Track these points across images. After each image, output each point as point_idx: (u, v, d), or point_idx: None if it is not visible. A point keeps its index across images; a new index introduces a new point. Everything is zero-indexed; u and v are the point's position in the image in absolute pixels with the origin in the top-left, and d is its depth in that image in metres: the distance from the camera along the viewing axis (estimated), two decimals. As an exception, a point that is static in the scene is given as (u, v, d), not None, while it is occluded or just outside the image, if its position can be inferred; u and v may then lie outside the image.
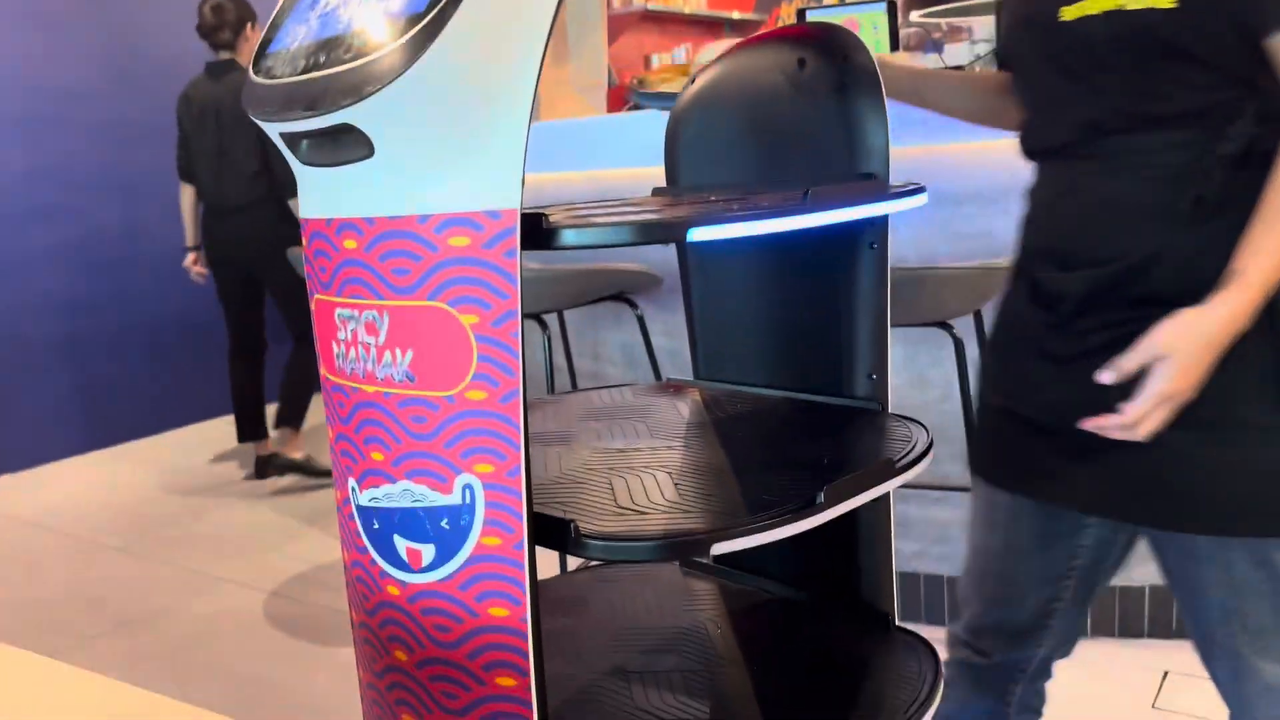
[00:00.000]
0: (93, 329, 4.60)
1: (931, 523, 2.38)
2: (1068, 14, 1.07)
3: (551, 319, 2.70)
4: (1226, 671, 1.12)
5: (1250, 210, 0.98)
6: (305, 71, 0.85)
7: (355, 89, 0.80)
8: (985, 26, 3.29)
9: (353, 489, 0.98)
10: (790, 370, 1.39)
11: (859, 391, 1.30)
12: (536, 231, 0.83)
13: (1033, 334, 1.14)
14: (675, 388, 1.49)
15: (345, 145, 0.85)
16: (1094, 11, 1.04)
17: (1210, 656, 1.15)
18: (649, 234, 0.81)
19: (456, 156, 0.82)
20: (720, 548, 0.87)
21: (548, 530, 0.90)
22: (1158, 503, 1.08)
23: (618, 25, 5.59)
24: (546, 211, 0.85)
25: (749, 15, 6.41)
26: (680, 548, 0.89)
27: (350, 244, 0.89)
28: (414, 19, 0.78)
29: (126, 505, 3.88)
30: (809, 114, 1.29)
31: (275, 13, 0.97)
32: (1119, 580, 2.16)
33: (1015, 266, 1.21)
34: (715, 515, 0.93)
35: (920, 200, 1.07)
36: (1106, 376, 1.02)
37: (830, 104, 1.27)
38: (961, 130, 2.12)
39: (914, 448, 1.10)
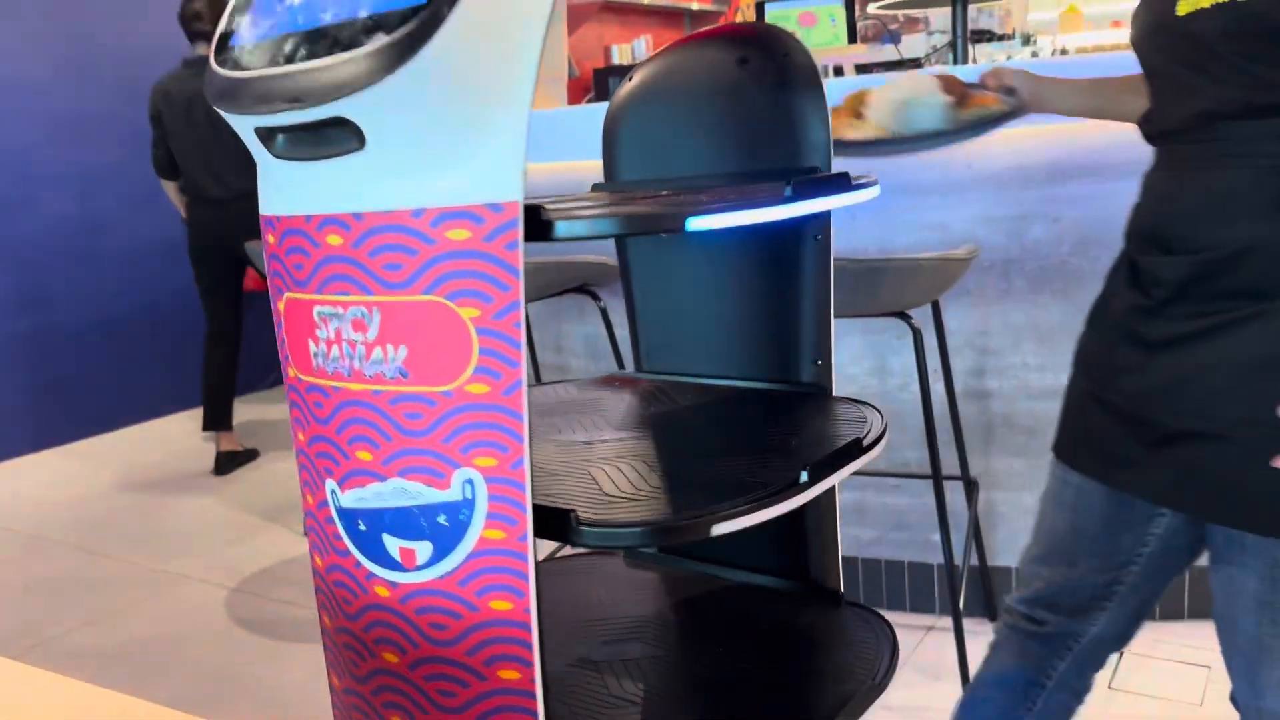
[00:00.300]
0: (49, 325, 4.43)
1: (890, 510, 2.45)
2: (1183, 8, 1.08)
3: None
4: (1245, 659, 1.14)
5: None
6: (288, 63, 0.82)
7: (351, 82, 0.78)
8: (941, 17, 3.42)
9: (332, 491, 0.95)
10: (735, 359, 1.42)
11: (804, 378, 1.35)
12: (535, 223, 0.84)
13: (1125, 316, 1.15)
14: (621, 381, 1.50)
15: (332, 139, 0.83)
16: (1205, 5, 1.05)
17: (1232, 643, 1.16)
18: (647, 225, 0.84)
19: (455, 150, 0.82)
20: (720, 528, 0.91)
21: (547, 521, 0.91)
22: (1225, 500, 1.08)
23: (577, 16, 5.50)
24: (542, 203, 0.86)
25: (708, 6, 6.43)
26: (680, 530, 0.92)
27: (335, 240, 0.87)
28: (413, 10, 0.78)
29: (84, 502, 3.75)
30: (750, 110, 1.33)
31: (234, 2, 0.92)
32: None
33: (1124, 249, 1.22)
34: (704, 498, 0.97)
35: (875, 192, 1.14)
36: None
37: (771, 100, 1.30)
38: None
39: (872, 428, 1.17)
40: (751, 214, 0.89)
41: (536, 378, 2.84)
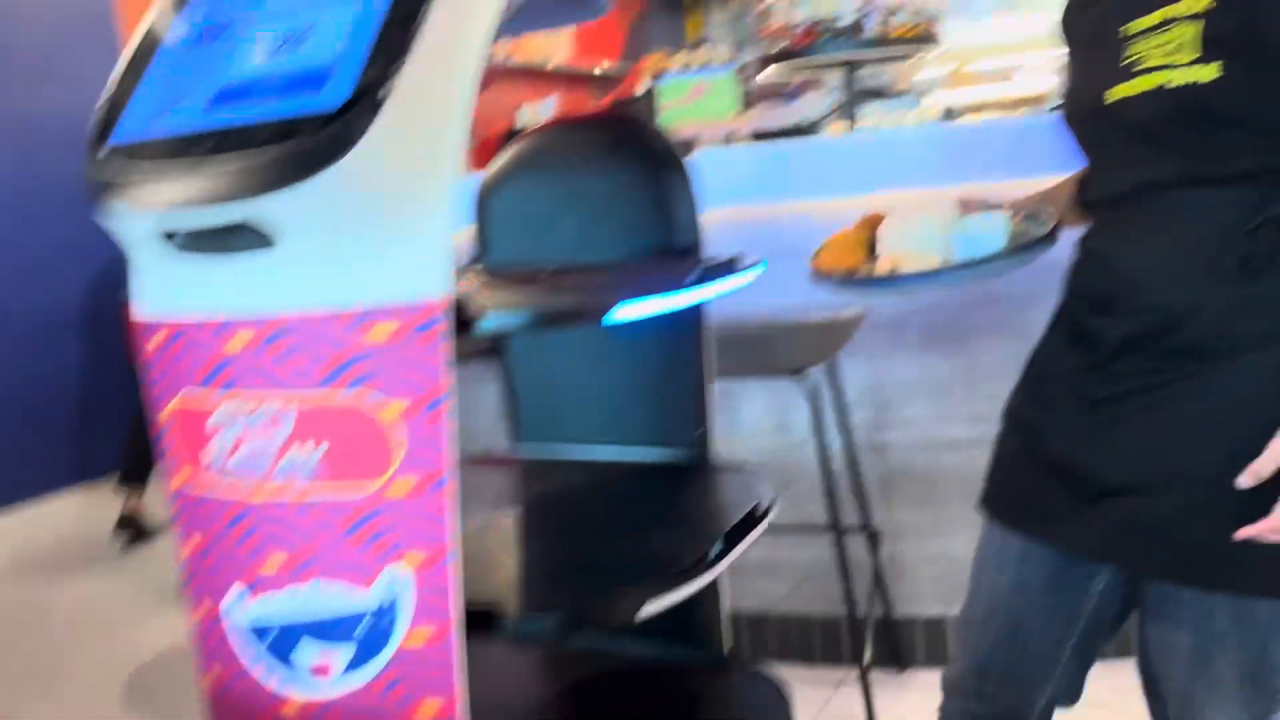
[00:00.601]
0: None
1: (799, 564, 2.44)
2: (1112, 96, 1.08)
3: None
4: (1175, 710, 1.14)
5: None
6: (192, 159, 0.80)
7: (261, 184, 0.76)
8: (837, 76, 3.52)
9: (235, 603, 0.90)
10: (615, 430, 1.44)
11: (687, 445, 1.38)
12: (459, 319, 0.83)
13: (1068, 375, 1.15)
14: (500, 460, 1.49)
15: (237, 241, 0.81)
16: (1135, 93, 1.05)
17: (1160, 695, 1.16)
18: (572, 317, 0.84)
19: (375, 248, 0.80)
20: (649, 608, 0.90)
21: (468, 618, 0.88)
22: (1164, 556, 1.08)
23: (484, 79, 5.43)
24: (463, 298, 0.85)
25: (613, 69, 6.46)
26: (603, 618, 0.91)
27: (244, 338, 0.84)
28: (330, 113, 0.77)
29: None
30: (621, 193, 1.38)
31: (112, 90, 0.88)
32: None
33: (1059, 311, 1.22)
34: (622, 579, 0.96)
35: (762, 269, 1.18)
36: (1244, 481, 1.01)
37: (641, 184, 1.36)
38: (808, 188, 2.30)
39: (763, 494, 1.20)
40: (672, 300, 0.90)
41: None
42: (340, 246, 0.80)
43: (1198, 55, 1.02)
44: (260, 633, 0.90)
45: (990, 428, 1.31)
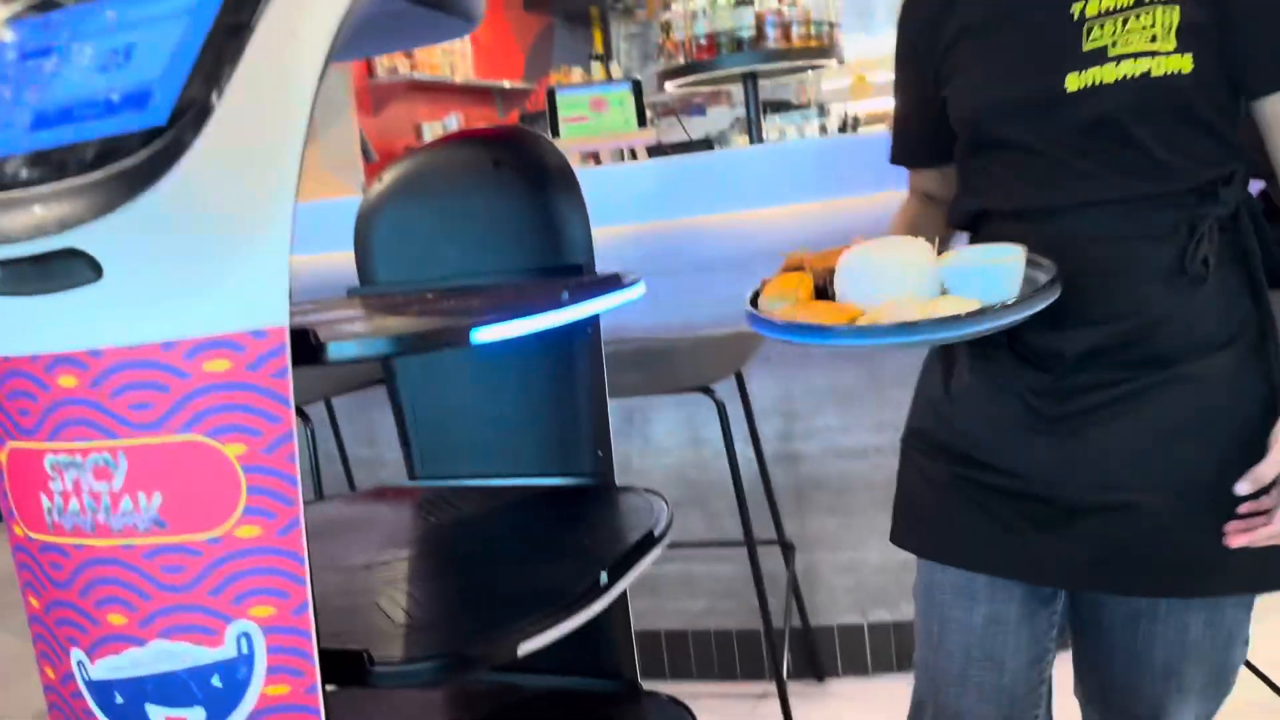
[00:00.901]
0: None
1: (716, 579, 2.43)
2: (1075, 84, 0.97)
3: (317, 409, 2.47)
4: (1140, 715, 1.11)
5: (1232, 272, 1.00)
6: (8, 188, 0.74)
7: (83, 213, 0.70)
8: (739, 91, 3.52)
9: (79, 663, 0.83)
10: (513, 457, 1.40)
11: (586, 469, 1.35)
12: (305, 347, 0.78)
13: (1021, 395, 1.04)
14: (394, 491, 1.44)
15: (61, 272, 0.74)
16: (1110, 80, 0.95)
17: (1127, 705, 1.13)
18: (431, 342, 0.80)
19: (207, 276, 0.75)
20: (526, 646, 0.87)
21: (337, 665, 0.83)
22: (1146, 571, 1.02)
23: (383, 96, 5.28)
24: (311, 326, 0.80)
25: (519, 84, 6.37)
26: (483, 658, 0.87)
27: (68, 381, 0.78)
28: (152, 134, 0.72)
29: None
30: (507, 212, 1.34)
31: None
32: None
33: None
34: (504, 616, 0.92)
35: (642, 289, 1.15)
36: (1243, 487, 0.97)
37: (528, 202, 1.32)
38: (709, 203, 2.28)
39: (660, 516, 1.17)
40: (534, 322, 0.87)
41: (347, 475, 2.70)
42: (166, 275, 0.75)
43: (1176, 45, 0.94)
44: (106, 696, 0.83)
45: (897, 435, 1.25)
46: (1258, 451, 0.97)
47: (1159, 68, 0.94)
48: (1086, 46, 0.97)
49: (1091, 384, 1.01)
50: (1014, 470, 1.05)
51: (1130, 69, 0.95)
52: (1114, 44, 0.96)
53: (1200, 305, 0.99)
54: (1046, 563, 1.05)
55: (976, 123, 1.06)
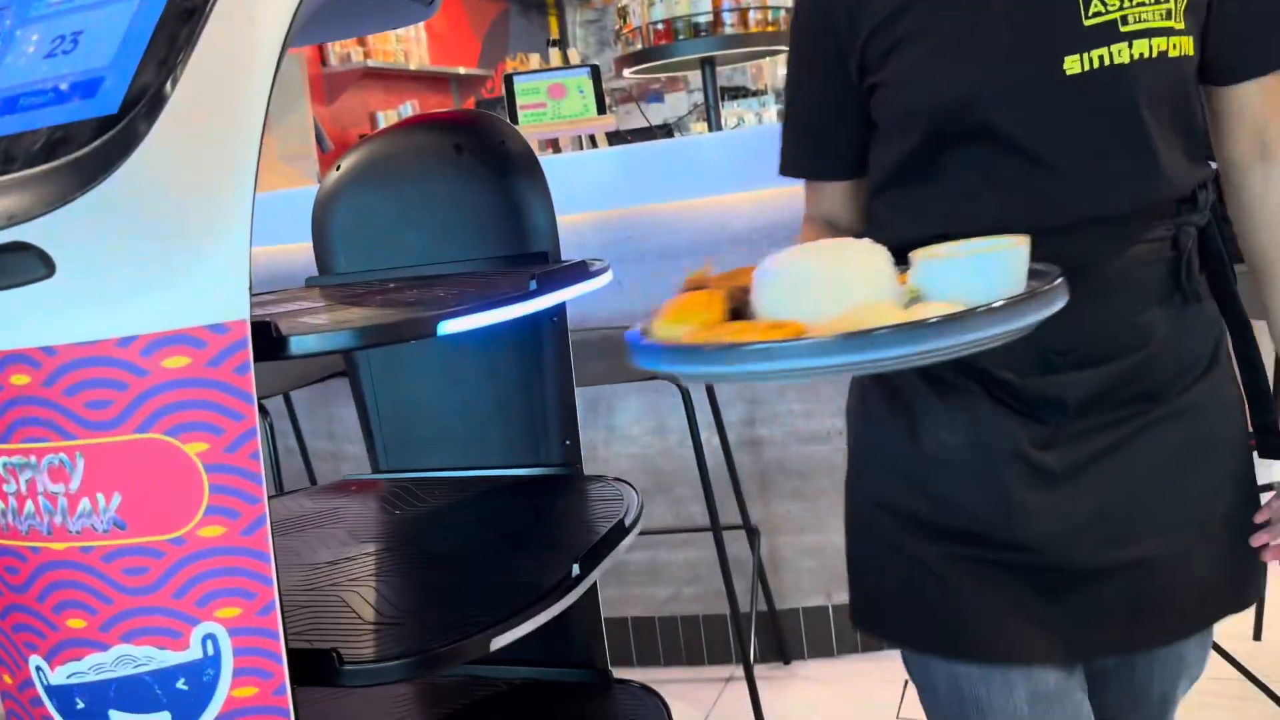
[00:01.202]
0: None
1: (682, 565, 2.44)
2: (1075, 66, 0.80)
3: (276, 402, 2.43)
4: None
5: (1203, 283, 0.91)
6: (-54, 180, 0.71)
7: (31, 207, 0.68)
8: (696, 77, 3.47)
9: (38, 669, 0.81)
10: (480, 448, 1.39)
11: (555, 459, 1.34)
12: (266, 341, 0.76)
13: (1011, 454, 0.88)
14: (359, 485, 1.42)
15: (10, 266, 0.72)
16: (1123, 60, 0.79)
17: None
18: (395, 334, 0.79)
19: (165, 270, 0.73)
20: (498, 642, 0.86)
21: (305, 665, 0.82)
22: (1170, 620, 0.93)
23: (337, 84, 5.15)
24: (271, 318, 0.78)
25: (474, 70, 6.27)
26: (454, 654, 0.86)
27: (20, 379, 0.75)
28: (104, 123, 0.69)
29: None
30: (470, 198, 1.32)
31: None
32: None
33: (946, 379, 0.90)
34: (474, 610, 0.91)
35: (609, 278, 1.14)
36: (1261, 517, 0.92)
37: (491, 189, 1.30)
38: (671, 190, 2.27)
39: (630, 505, 1.16)
40: (501, 312, 0.86)
41: (308, 470, 2.66)
42: (123, 267, 0.72)
43: (1184, 24, 0.81)
44: (67, 701, 0.81)
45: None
46: (1248, 459, 0.93)
47: (1174, 48, 0.80)
48: (1089, 20, 0.79)
49: (1089, 429, 0.88)
50: (1019, 542, 0.89)
51: (1146, 47, 0.79)
52: (1124, 18, 0.79)
53: (1189, 326, 0.89)
54: (1074, 640, 0.91)
55: (935, 117, 0.84)
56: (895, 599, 0.95)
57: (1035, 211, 0.83)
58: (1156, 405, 0.88)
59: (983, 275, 0.71)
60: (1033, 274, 0.76)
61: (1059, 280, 0.73)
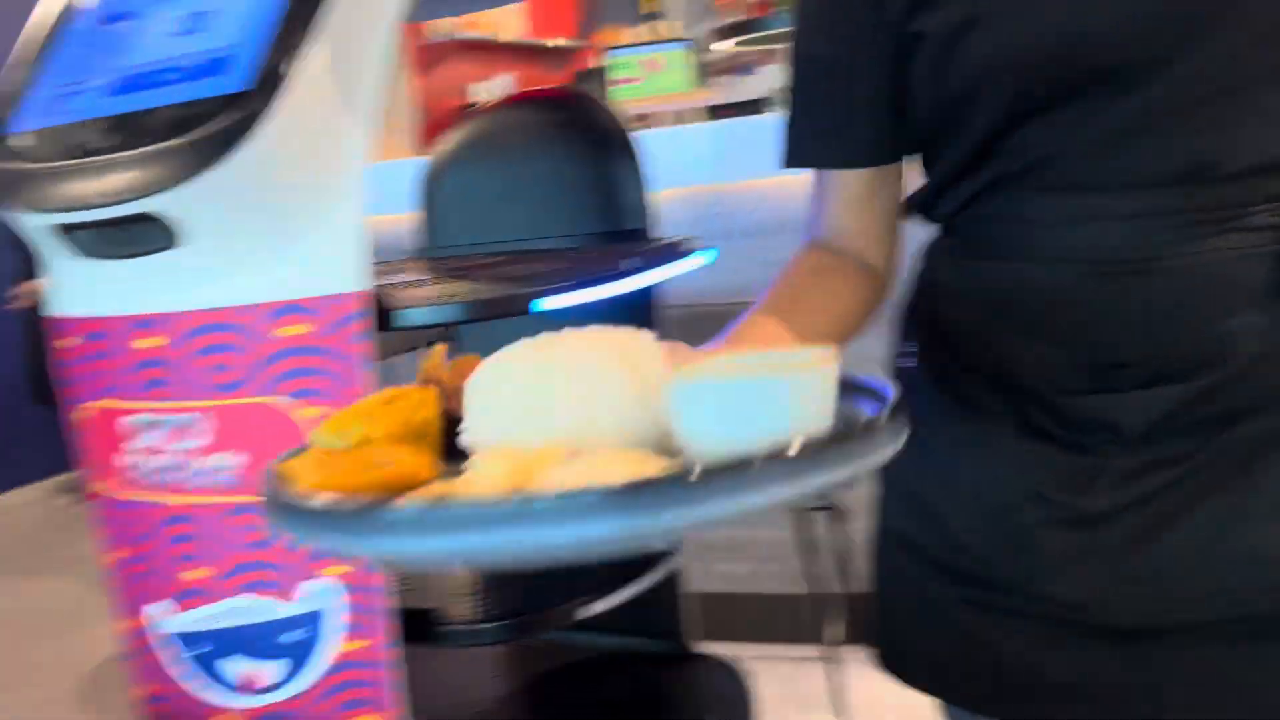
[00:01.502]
0: None
1: (762, 543, 2.44)
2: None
3: None
4: None
5: None
6: (87, 155, 0.75)
7: (161, 180, 0.72)
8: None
9: (157, 617, 0.86)
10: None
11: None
12: (378, 312, 0.79)
13: (1040, 493, 0.72)
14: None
15: (142, 236, 0.76)
16: None
17: None
18: (493, 309, 0.81)
19: (284, 241, 0.76)
20: (586, 611, 0.88)
21: (408, 623, 0.85)
22: (1242, 698, 0.73)
23: (432, 56, 5.20)
24: (379, 290, 0.81)
25: (569, 42, 6.33)
26: (546, 621, 0.88)
27: (148, 342, 0.80)
28: (231, 100, 0.72)
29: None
30: (568, 176, 1.34)
31: (15, 76, 0.83)
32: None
33: (963, 390, 0.74)
34: (569, 580, 0.94)
35: (701, 259, 1.14)
36: None
37: (588, 167, 1.32)
38: (761, 167, 2.26)
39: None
40: (593, 291, 0.87)
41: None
42: (243, 240, 0.76)
43: None
44: (188, 645, 0.86)
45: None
46: None
47: None
48: None
49: (1155, 462, 0.71)
50: (1049, 596, 0.74)
51: None
52: None
53: (1277, 327, 0.69)
54: (1111, 708, 0.75)
55: (1041, 67, 0.64)
56: (907, 635, 0.82)
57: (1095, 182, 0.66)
58: (1240, 427, 0.70)
59: (763, 402, 0.44)
60: (854, 387, 0.50)
61: (889, 412, 0.46)
